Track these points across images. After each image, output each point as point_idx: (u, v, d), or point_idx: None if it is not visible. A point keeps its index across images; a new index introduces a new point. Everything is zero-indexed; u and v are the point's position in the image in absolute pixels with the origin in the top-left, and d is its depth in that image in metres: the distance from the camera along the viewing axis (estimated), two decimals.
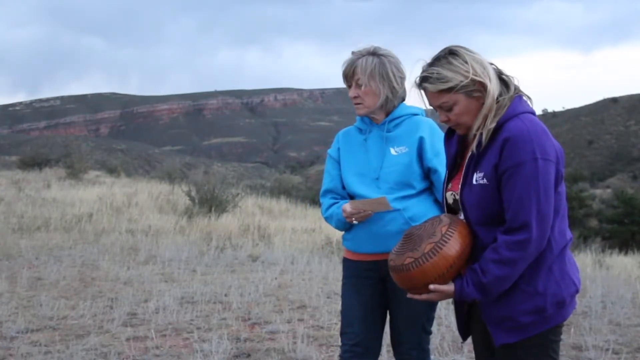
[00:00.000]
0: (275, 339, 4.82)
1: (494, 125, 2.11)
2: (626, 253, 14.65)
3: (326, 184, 3.02)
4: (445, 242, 2.11)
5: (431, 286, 2.12)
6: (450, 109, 2.17)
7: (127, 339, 4.79)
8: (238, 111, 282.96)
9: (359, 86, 2.85)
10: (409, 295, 2.22)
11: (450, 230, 2.14)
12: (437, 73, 2.13)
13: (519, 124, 2.08)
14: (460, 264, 2.13)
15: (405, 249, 2.18)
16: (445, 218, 2.20)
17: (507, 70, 2.22)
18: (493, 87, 2.13)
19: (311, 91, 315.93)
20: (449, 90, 2.13)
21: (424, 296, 2.17)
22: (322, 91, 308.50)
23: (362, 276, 2.91)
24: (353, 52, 2.88)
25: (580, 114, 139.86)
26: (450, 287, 2.13)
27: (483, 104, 2.13)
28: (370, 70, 2.82)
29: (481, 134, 2.13)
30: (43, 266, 7.69)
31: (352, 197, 2.93)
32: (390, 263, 2.23)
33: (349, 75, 2.87)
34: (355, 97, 2.87)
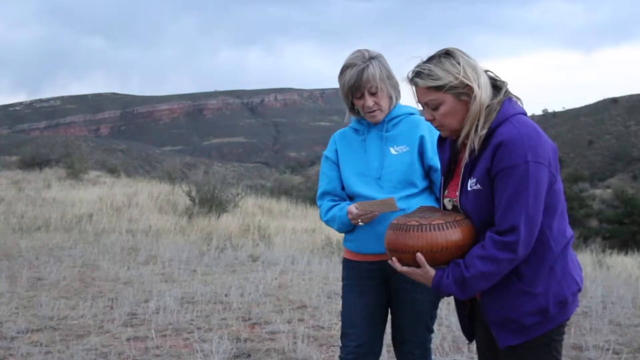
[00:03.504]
0: (276, 339, 4.82)
1: (485, 131, 2.12)
2: (626, 253, 14.62)
3: (323, 186, 2.99)
4: (454, 226, 2.14)
5: (418, 254, 2.12)
6: (436, 108, 2.18)
7: (128, 339, 4.79)
8: (238, 111, 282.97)
9: (372, 94, 2.82)
10: (392, 260, 2.21)
11: (463, 221, 2.17)
12: (428, 70, 2.14)
13: (510, 128, 2.08)
14: (453, 253, 2.13)
15: (415, 215, 2.22)
16: (462, 214, 2.23)
17: (501, 75, 2.23)
18: (482, 93, 2.12)
19: (311, 91, 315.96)
20: (438, 88, 2.14)
21: (405, 268, 2.17)
22: (322, 91, 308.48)
23: (365, 277, 2.90)
24: (352, 65, 2.81)
25: (580, 114, 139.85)
26: (431, 270, 2.13)
27: (469, 109, 2.13)
28: (379, 74, 2.80)
29: (473, 142, 2.13)
30: (43, 266, 7.69)
31: (352, 198, 2.92)
32: (393, 221, 2.25)
33: (361, 85, 2.79)
34: (373, 105, 2.82)
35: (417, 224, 2.16)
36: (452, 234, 2.13)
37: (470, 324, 2.36)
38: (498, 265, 2.05)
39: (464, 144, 2.21)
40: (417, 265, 2.14)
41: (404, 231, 2.16)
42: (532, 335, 2.12)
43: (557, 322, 2.13)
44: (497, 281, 2.10)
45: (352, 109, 2.95)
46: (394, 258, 2.20)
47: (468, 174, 2.17)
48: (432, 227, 2.13)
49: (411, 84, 2.22)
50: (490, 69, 2.21)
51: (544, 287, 2.10)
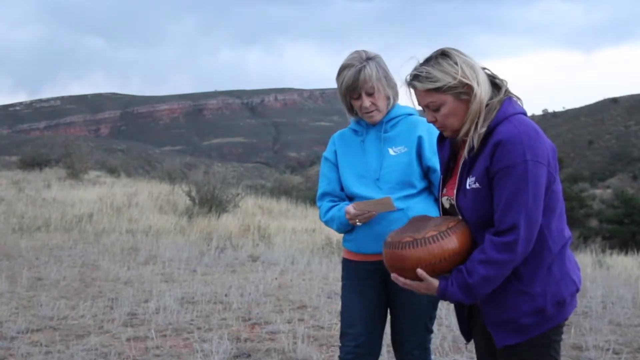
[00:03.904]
0: (276, 339, 4.82)
1: (484, 129, 2.11)
2: (626, 253, 14.61)
3: (323, 187, 3.00)
4: (448, 235, 2.12)
5: (419, 270, 2.11)
6: (437, 110, 2.17)
7: (128, 339, 4.79)
8: (238, 111, 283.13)
9: (369, 95, 2.82)
10: (393, 277, 2.19)
11: (457, 226, 2.14)
12: (426, 72, 2.13)
13: (509, 127, 2.08)
14: (453, 261, 2.12)
15: (407, 230, 2.19)
16: (454, 217, 2.21)
17: (500, 73, 2.22)
18: (482, 91, 2.12)
19: (311, 91, 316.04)
20: (437, 90, 2.13)
21: (408, 281, 2.15)
22: (322, 91, 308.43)
23: (364, 277, 2.91)
24: (349, 66, 2.82)
25: (580, 114, 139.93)
26: (435, 281, 2.12)
27: (470, 107, 2.13)
28: (376, 74, 2.80)
29: (472, 139, 2.13)
30: (43, 266, 7.69)
31: (351, 198, 2.92)
32: (387, 239, 2.22)
33: (358, 86, 2.80)
34: (370, 106, 2.83)
35: (411, 239, 2.13)
36: (448, 243, 2.11)
37: (469, 324, 2.36)
38: (500, 267, 2.05)
39: (463, 142, 2.20)
40: (420, 278, 2.13)
41: (400, 249, 2.14)
42: (530, 335, 2.12)
43: (555, 322, 2.13)
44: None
45: (351, 110, 2.95)
46: (394, 274, 2.19)
47: (466, 172, 2.17)
48: (426, 240, 2.11)
49: (409, 88, 2.21)
50: (487, 67, 2.20)
51: (542, 288, 2.10)
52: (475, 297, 2.10)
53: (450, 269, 2.13)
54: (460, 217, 2.23)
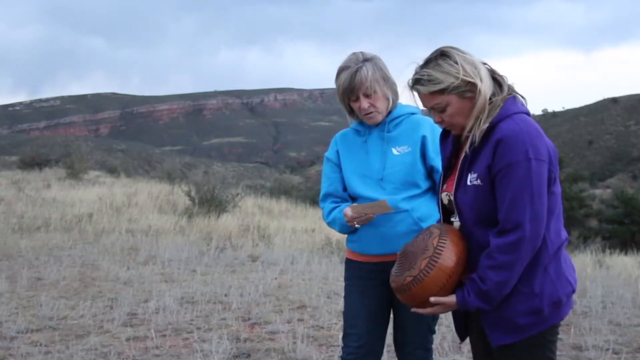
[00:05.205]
0: (275, 339, 4.82)
1: (486, 126, 2.11)
2: (626, 253, 14.64)
3: (325, 187, 2.99)
4: (439, 254, 2.12)
5: (432, 298, 2.12)
6: (443, 110, 2.17)
7: (127, 339, 4.79)
8: (238, 111, 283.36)
9: (367, 96, 2.80)
10: (413, 310, 2.22)
11: (441, 241, 2.14)
12: (428, 75, 2.12)
13: (511, 125, 2.07)
14: (458, 272, 2.13)
15: (403, 269, 2.19)
16: (435, 230, 2.20)
17: (501, 70, 2.21)
18: (485, 87, 2.12)
19: (311, 91, 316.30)
20: (441, 91, 2.13)
21: (428, 310, 2.17)
22: (322, 91, 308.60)
23: (367, 277, 2.90)
24: (345, 68, 2.80)
25: (580, 114, 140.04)
26: (451, 298, 2.13)
27: (476, 104, 2.13)
28: (372, 75, 2.78)
29: (474, 135, 2.13)
30: (43, 266, 7.69)
31: (354, 199, 2.92)
32: (393, 285, 2.24)
33: (355, 88, 2.78)
34: (368, 107, 2.81)
35: (412, 278, 2.14)
36: (444, 262, 2.11)
37: (465, 323, 2.36)
38: (510, 269, 2.05)
39: (466, 139, 2.20)
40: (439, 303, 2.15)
41: (408, 292, 2.16)
42: (526, 334, 2.12)
43: (551, 322, 2.13)
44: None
45: (351, 112, 2.94)
46: (414, 309, 2.22)
47: (467, 167, 2.17)
48: (424, 273, 2.11)
49: (412, 91, 2.21)
50: (486, 62, 2.19)
51: (539, 288, 2.10)
52: (494, 301, 2.09)
53: (462, 277, 2.14)
54: (440, 225, 2.24)
